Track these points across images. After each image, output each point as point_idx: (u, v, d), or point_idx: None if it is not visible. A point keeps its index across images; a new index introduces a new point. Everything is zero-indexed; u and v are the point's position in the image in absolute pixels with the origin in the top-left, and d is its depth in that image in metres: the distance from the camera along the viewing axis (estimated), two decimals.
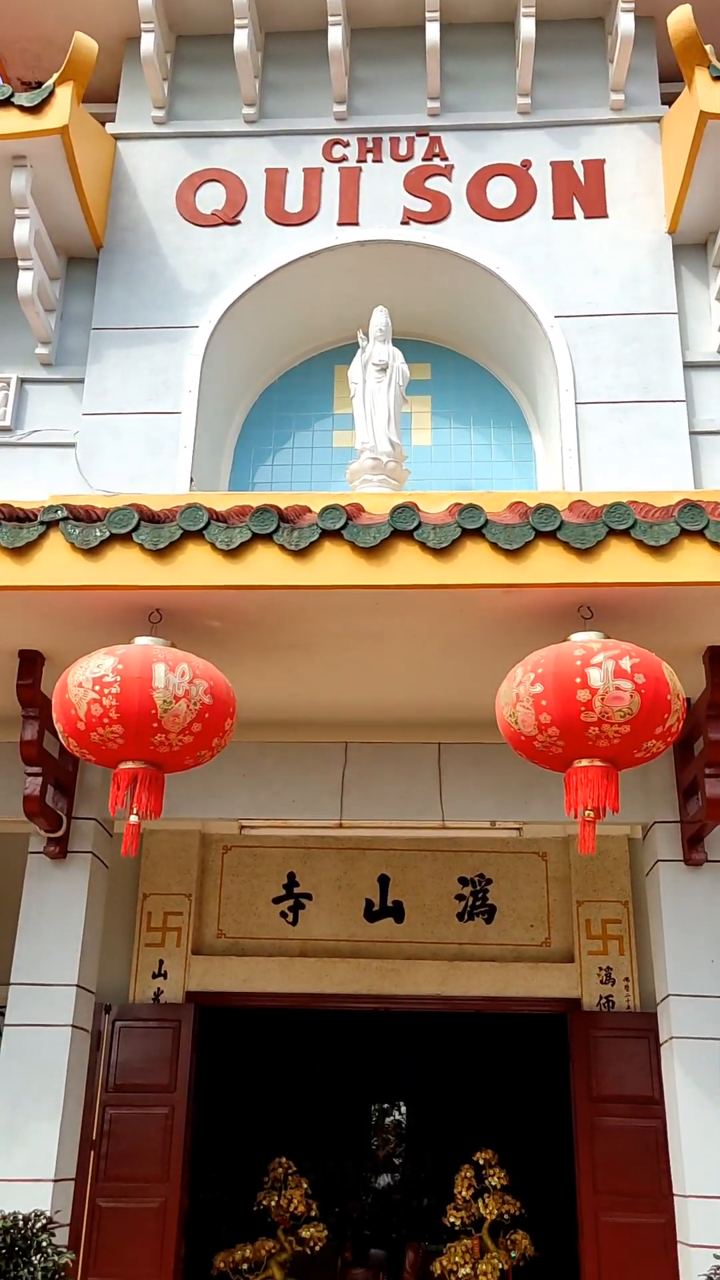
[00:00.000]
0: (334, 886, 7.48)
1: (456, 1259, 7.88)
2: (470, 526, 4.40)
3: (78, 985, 5.32)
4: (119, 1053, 6.86)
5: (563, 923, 7.33)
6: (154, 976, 7.15)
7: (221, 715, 4.32)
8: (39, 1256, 4.37)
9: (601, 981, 7.05)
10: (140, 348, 7.67)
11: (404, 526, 4.42)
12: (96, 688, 4.14)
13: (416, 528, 4.41)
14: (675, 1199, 5.04)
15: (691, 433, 7.22)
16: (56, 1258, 4.39)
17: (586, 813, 4.22)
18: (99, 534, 4.42)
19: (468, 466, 8.06)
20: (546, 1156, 11.42)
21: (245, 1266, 7.94)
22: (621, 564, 4.34)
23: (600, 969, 7.08)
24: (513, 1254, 7.94)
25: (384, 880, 7.51)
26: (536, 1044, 12.56)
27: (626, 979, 7.04)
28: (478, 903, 7.43)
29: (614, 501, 4.44)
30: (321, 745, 5.81)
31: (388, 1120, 13.27)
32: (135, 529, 4.42)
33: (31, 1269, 4.33)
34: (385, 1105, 13.18)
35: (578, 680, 4.06)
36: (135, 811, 4.27)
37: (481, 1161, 8.27)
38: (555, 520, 4.39)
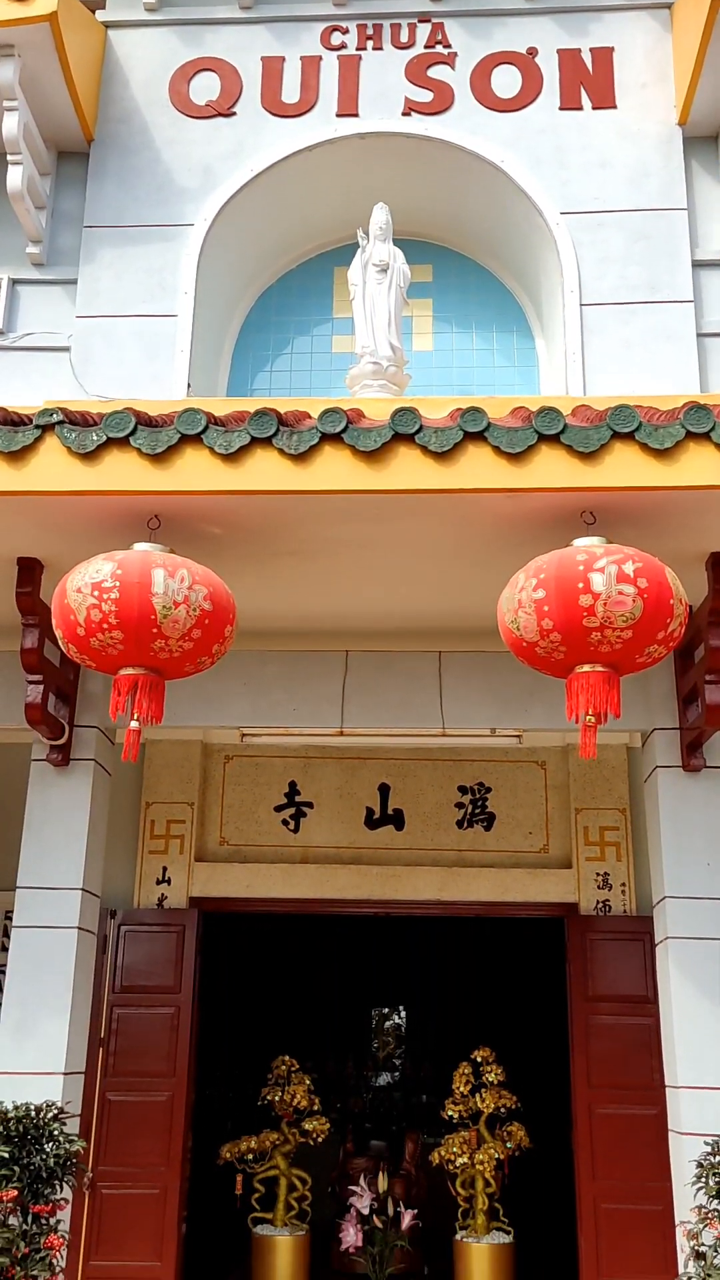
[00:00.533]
0: (335, 795, 7.56)
1: (454, 1149, 8.17)
2: (472, 430, 4.32)
3: (82, 889, 5.40)
4: (125, 956, 7.00)
5: (561, 830, 7.42)
6: (158, 883, 7.26)
7: (221, 622, 4.29)
8: (51, 1144, 4.52)
9: (598, 887, 7.16)
10: (134, 247, 7.46)
11: (405, 430, 4.34)
12: (95, 593, 4.11)
13: (418, 431, 4.33)
14: (667, 1090, 5.19)
15: (699, 335, 7.05)
16: (68, 1145, 4.54)
17: (588, 718, 4.22)
18: (96, 438, 4.34)
19: (469, 372, 7.91)
20: (542, 1055, 11.76)
21: (250, 1156, 8.23)
22: (625, 467, 4.27)
23: (597, 874, 7.19)
24: (508, 1144, 8.23)
25: (384, 789, 7.59)
26: (533, 948, 12.85)
27: (623, 884, 7.15)
28: (477, 810, 7.51)
29: (618, 404, 4.35)
30: (322, 654, 5.80)
31: (387, 1025, 13.63)
32: (132, 433, 4.34)
33: (44, 1155, 4.48)
34: (385, 1010, 13.52)
35: (580, 585, 4.03)
36: (136, 717, 4.28)
37: (479, 1059, 8.51)
38: (559, 423, 4.31)
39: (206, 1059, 11.55)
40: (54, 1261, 4.31)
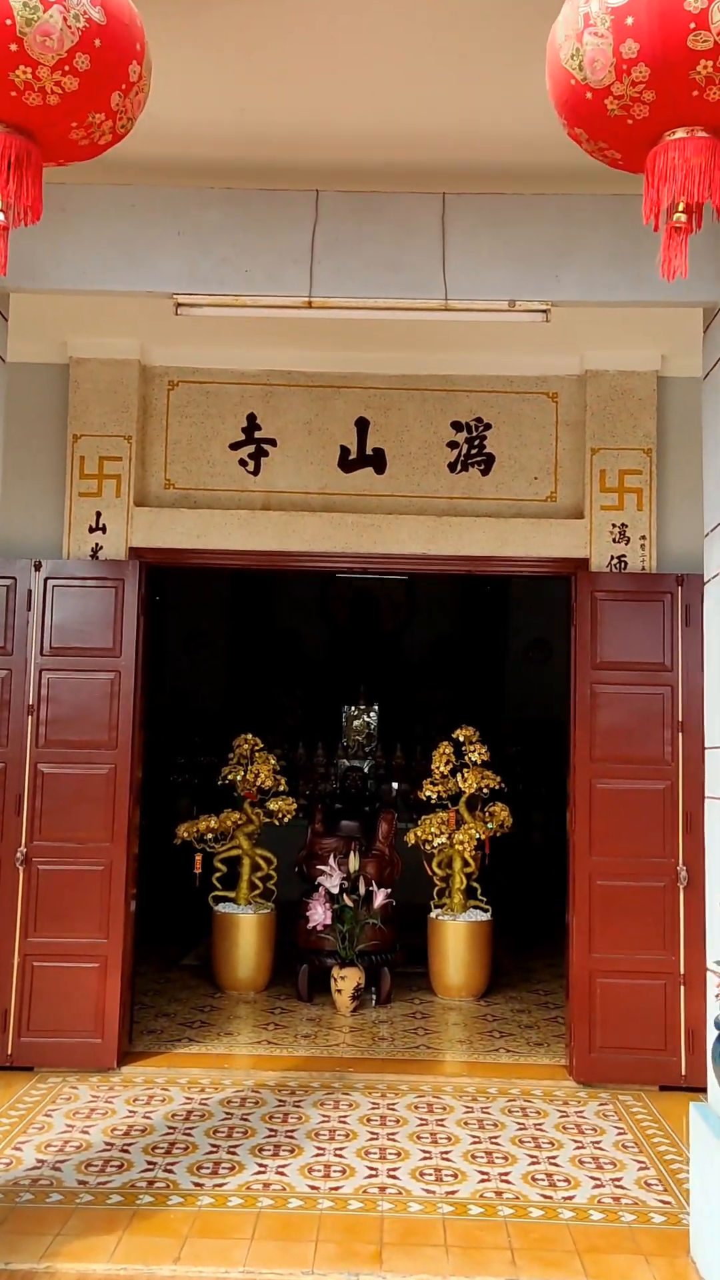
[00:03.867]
0: (302, 431, 6.24)
1: (432, 829, 7.53)
2: None
3: None
4: (54, 614, 5.90)
5: (573, 475, 6.21)
6: (91, 531, 6.06)
7: (123, 52, 2.75)
8: None
9: (614, 540, 6.04)
10: None
11: None
12: None
13: None
14: (708, 752, 4.23)
15: None
16: None
17: (678, 216, 2.82)
18: None
19: None
20: (523, 742, 11.21)
21: (211, 837, 7.58)
22: None
23: (614, 526, 6.05)
24: (490, 825, 7.61)
25: (362, 424, 6.27)
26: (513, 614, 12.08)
27: (643, 537, 6.03)
28: (473, 451, 6.25)
29: None
30: (284, 194, 4.27)
31: (356, 723, 12.98)
32: None
33: None
34: (358, 707, 12.79)
35: None
36: (3, 207, 2.85)
37: (461, 739, 7.74)
38: None
39: (165, 745, 10.91)
40: None
